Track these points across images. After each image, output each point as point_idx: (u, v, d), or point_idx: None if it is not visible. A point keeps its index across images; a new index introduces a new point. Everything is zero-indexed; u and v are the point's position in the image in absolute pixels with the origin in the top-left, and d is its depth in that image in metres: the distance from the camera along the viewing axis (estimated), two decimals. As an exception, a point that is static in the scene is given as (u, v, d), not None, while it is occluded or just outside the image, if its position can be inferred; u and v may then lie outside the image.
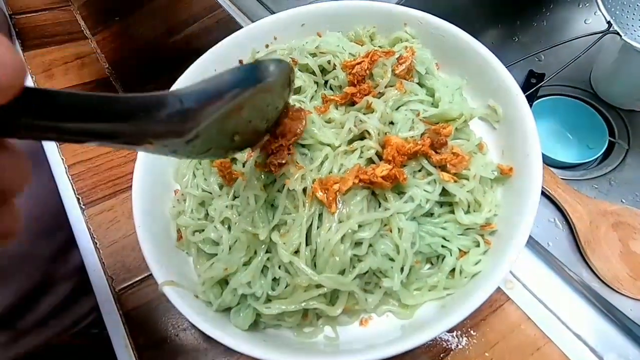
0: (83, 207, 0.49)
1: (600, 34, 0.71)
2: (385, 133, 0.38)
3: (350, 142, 0.38)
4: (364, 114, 0.39)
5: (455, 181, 0.37)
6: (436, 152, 0.37)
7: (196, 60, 0.49)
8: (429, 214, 0.38)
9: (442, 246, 0.37)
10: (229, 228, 0.38)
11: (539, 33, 0.95)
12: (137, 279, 0.43)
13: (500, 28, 0.95)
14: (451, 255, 0.36)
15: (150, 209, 0.41)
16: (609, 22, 0.67)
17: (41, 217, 0.62)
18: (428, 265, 0.38)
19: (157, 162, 0.45)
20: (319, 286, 0.34)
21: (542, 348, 0.36)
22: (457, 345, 0.37)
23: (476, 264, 0.35)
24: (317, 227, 0.34)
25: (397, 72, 0.41)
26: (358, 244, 0.34)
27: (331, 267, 0.33)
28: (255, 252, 0.36)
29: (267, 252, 0.36)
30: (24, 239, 0.59)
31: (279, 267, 0.35)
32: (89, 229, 0.47)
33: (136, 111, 0.19)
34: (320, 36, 0.52)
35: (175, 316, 0.41)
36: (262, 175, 0.36)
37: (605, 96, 0.85)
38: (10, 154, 0.17)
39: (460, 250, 0.37)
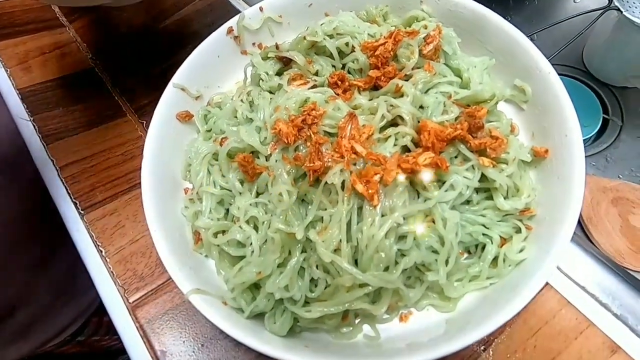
0: (82, 212, 0.45)
1: (601, 11, 0.71)
2: (418, 119, 0.35)
3: (382, 129, 0.35)
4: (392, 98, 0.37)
5: (494, 166, 0.35)
6: (473, 137, 0.35)
7: (195, 45, 0.45)
8: (467, 201, 0.36)
9: (483, 234, 0.35)
10: (255, 228, 0.35)
11: (532, 12, 0.95)
12: (152, 287, 0.40)
13: (494, 8, 0.94)
14: (492, 243, 0.35)
15: (162, 211, 0.38)
16: (609, -1, 0.67)
17: (16, 225, 0.56)
18: (465, 255, 0.37)
19: (164, 159, 0.41)
20: (362, 285, 0.31)
21: (585, 331, 0.36)
22: (500, 334, 0.36)
23: (520, 251, 0.34)
24: (357, 223, 0.32)
25: (424, 52, 0.38)
26: (401, 237, 0.32)
27: (376, 264, 0.31)
28: (290, 253, 0.33)
29: (302, 251, 0.33)
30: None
31: (317, 267, 0.33)
32: (91, 235, 0.43)
33: None
34: (327, 16, 0.49)
35: (199, 325, 0.38)
36: (292, 169, 0.33)
37: (598, 74, 0.86)
38: None
39: (500, 237, 0.35)
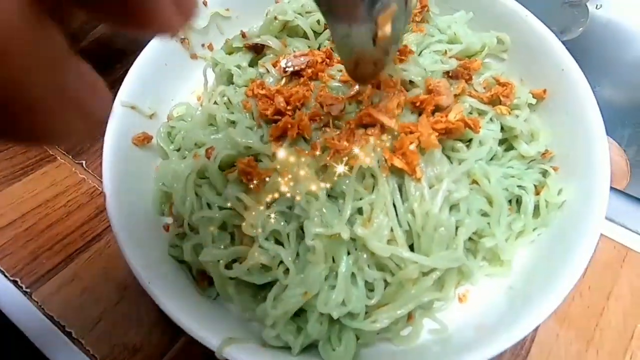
0: (27, 290, 0.33)
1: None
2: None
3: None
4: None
5: (509, 113, 0.33)
6: (475, 91, 0.34)
7: (124, 64, 0.37)
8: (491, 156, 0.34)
9: (517, 186, 0.33)
10: (278, 243, 0.29)
11: None
12: (154, 359, 0.31)
13: None
14: (527, 193, 0.33)
15: (150, 260, 0.30)
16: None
17: None
18: (500, 213, 0.35)
19: (130, 195, 0.33)
20: (426, 273, 0.27)
21: (627, 257, 0.36)
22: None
23: (559, 193, 0.33)
24: (403, 203, 0.27)
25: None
26: (452, 207, 0.28)
27: (438, 243, 0.27)
28: (333, 259, 0.27)
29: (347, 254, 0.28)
30: None
31: (368, 267, 0.27)
32: (50, 317, 0.32)
33: None
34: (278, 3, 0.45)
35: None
36: (312, 162, 0.28)
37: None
38: None
39: (533, 186, 0.34)
